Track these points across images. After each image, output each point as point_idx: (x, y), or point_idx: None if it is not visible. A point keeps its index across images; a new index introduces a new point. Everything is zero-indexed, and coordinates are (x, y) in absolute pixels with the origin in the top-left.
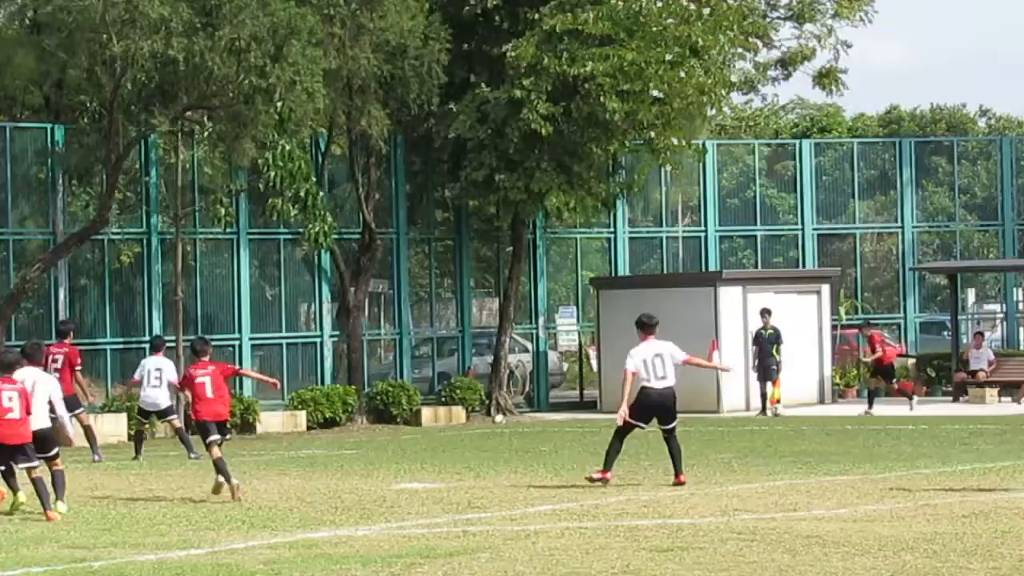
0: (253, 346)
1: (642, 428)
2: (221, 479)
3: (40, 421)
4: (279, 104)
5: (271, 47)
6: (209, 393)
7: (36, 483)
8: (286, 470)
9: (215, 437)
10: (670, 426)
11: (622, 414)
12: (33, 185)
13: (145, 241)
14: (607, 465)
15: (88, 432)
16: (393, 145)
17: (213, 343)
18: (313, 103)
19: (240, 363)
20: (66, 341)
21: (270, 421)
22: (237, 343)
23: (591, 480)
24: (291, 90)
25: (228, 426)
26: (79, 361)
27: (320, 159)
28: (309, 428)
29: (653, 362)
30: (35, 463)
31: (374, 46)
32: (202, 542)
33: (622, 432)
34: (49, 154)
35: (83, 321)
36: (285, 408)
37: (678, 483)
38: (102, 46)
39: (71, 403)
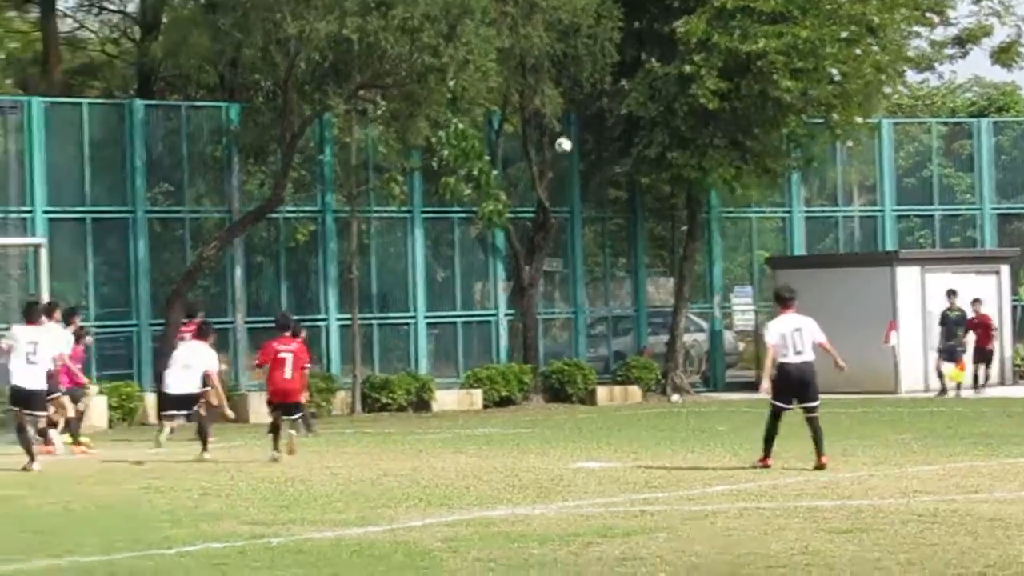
0: (428, 324)
1: (790, 409)
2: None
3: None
4: (452, 83)
5: (444, 26)
6: (287, 372)
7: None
8: (462, 448)
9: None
10: (812, 405)
11: (765, 387)
12: (209, 164)
13: (320, 219)
14: (766, 451)
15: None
16: (566, 123)
17: (389, 321)
18: (486, 82)
19: (416, 341)
20: (195, 320)
21: (445, 399)
22: (412, 322)
23: (755, 467)
24: (464, 69)
25: (299, 409)
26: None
27: (494, 138)
28: (485, 407)
29: (793, 336)
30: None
31: (547, 25)
32: (379, 519)
33: (775, 416)
34: (224, 133)
35: (259, 299)
36: (460, 387)
37: (820, 466)
38: (276, 25)
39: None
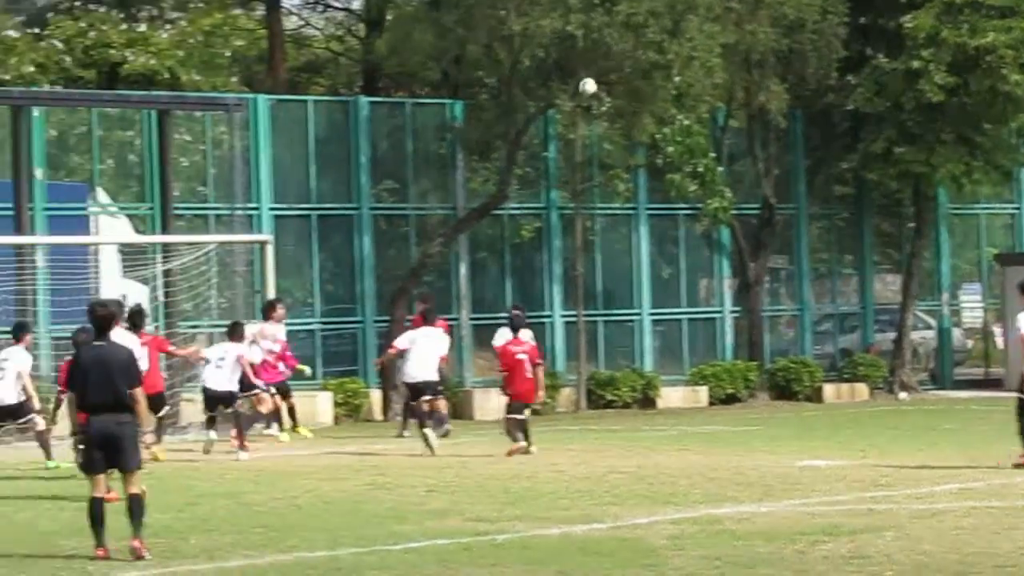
0: (653, 322)
1: None
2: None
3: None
4: (677, 79)
5: (668, 22)
6: (528, 372)
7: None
8: (688, 446)
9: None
10: None
11: None
12: (433, 161)
13: (545, 216)
14: None
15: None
16: (792, 119)
17: (614, 318)
18: (711, 78)
19: (641, 338)
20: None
21: (671, 396)
22: (637, 318)
23: (1018, 467)
24: (689, 65)
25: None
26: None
27: (719, 134)
28: (710, 404)
29: None
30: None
31: (772, 20)
32: (605, 517)
33: (1022, 410)
34: (449, 129)
35: (484, 296)
36: (686, 384)
37: None
38: (500, 22)
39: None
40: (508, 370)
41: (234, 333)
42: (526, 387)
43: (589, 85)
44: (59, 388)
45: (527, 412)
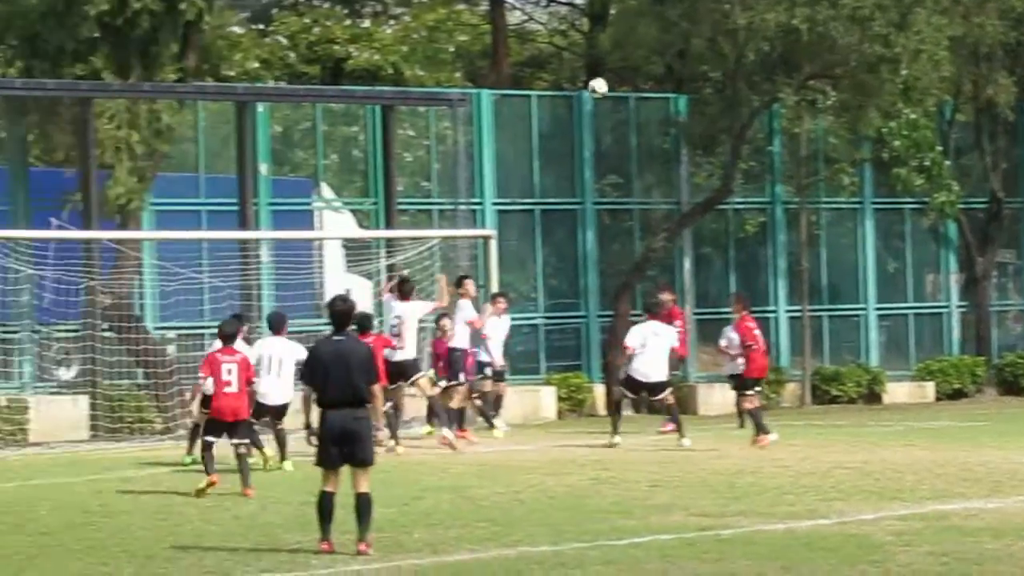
0: (879, 317)
1: None
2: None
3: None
4: (904, 73)
5: (895, 15)
6: (763, 348)
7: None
8: (914, 441)
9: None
10: None
11: None
12: (657, 155)
13: (769, 211)
14: None
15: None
16: (1020, 113)
17: (839, 313)
18: (938, 72)
19: (867, 333)
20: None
21: (896, 391)
22: (863, 313)
23: None
24: (916, 59)
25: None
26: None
27: (945, 127)
28: (937, 399)
29: None
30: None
31: (1000, 13)
32: (830, 512)
33: None
34: (672, 124)
35: (708, 290)
36: (912, 379)
37: None
38: (725, 16)
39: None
40: (751, 343)
41: (402, 291)
42: (761, 363)
43: (600, 85)
44: (200, 376)
45: (756, 390)
